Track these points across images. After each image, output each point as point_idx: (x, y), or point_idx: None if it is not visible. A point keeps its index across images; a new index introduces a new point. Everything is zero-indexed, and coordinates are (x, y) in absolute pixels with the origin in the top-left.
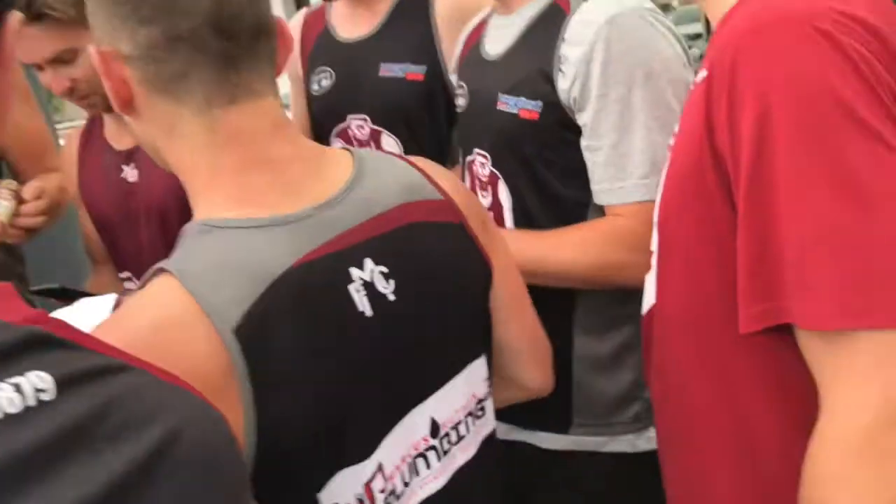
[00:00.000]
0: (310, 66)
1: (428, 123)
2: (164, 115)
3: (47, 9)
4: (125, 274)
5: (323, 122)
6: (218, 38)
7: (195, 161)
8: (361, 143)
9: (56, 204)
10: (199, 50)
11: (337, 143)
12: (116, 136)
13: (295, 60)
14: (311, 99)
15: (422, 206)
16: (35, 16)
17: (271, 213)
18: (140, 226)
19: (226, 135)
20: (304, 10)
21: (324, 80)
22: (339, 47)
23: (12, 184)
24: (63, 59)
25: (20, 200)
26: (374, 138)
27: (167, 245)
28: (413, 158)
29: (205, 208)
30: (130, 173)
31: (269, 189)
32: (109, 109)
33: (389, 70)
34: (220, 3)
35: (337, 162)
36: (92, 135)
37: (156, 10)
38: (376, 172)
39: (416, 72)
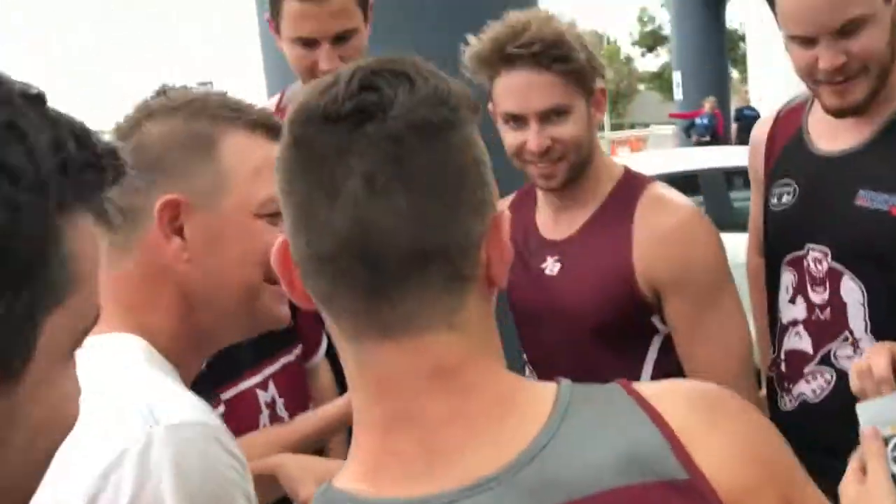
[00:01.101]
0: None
1: None
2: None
3: None
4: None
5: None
6: (361, 265)
7: (354, 403)
8: (814, 281)
9: None
10: (342, 275)
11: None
12: (550, 223)
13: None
14: (767, 213)
15: (650, 493)
16: None
17: (404, 495)
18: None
19: (373, 378)
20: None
21: (785, 196)
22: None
23: None
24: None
25: None
26: (832, 278)
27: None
28: (660, 401)
29: (347, 463)
30: (552, 266)
31: (414, 457)
32: None
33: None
34: (362, 226)
35: (529, 411)
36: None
37: (297, 223)
38: (582, 431)
39: None
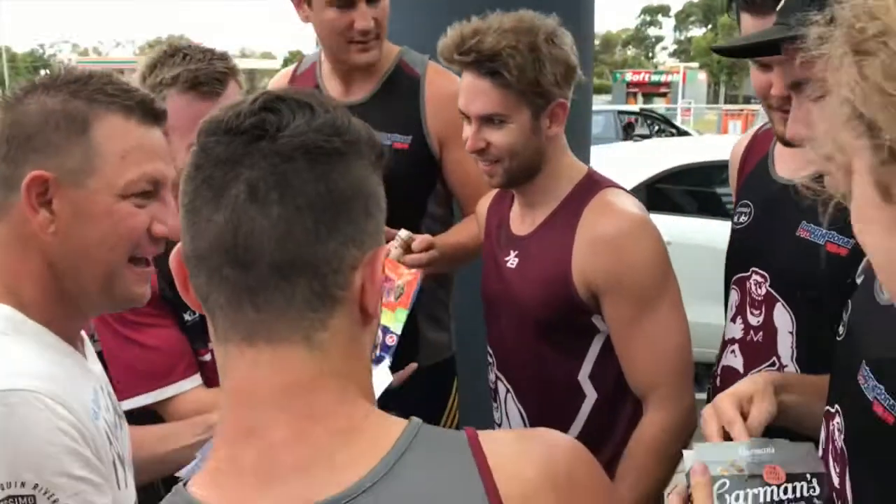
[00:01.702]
0: (740, 193)
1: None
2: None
3: None
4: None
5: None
6: (230, 266)
7: (221, 407)
8: (753, 303)
9: (445, 258)
10: (214, 274)
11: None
12: (518, 219)
13: None
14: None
15: None
16: None
17: None
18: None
19: (233, 386)
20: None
21: (743, 216)
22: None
23: (406, 234)
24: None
25: (407, 250)
26: (768, 303)
27: None
28: (490, 446)
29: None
30: (513, 259)
31: (254, 471)
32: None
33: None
34: (236, 228)
35: (372, 443)
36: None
37: (185, 222)
38: (415, 471)
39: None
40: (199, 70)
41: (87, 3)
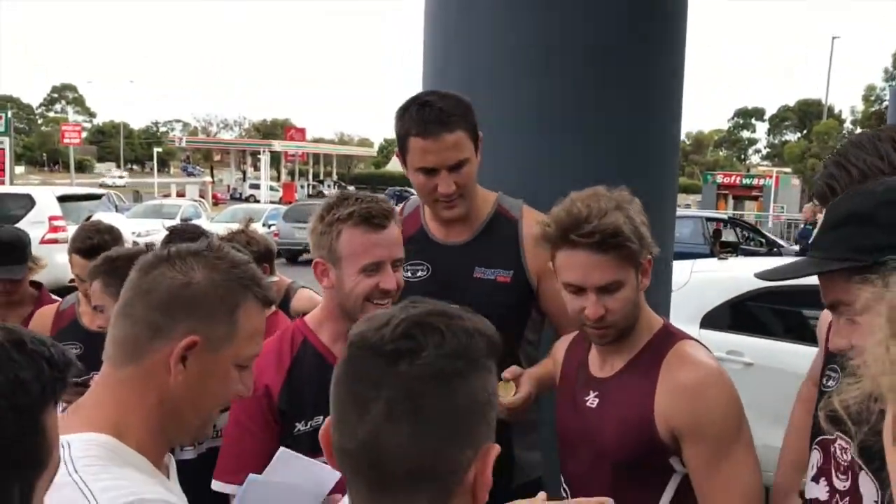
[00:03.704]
0: None
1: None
2: None
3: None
4: None
5: None
6: (369, 469)
7: None
8: None
9: (536, 395)
10: (357, 471)
11: None
12: (596, 362)
13: None
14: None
15: None
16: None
17: None
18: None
19: None
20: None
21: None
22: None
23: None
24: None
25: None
26: None
27: None
28: None
29: None
30: (593, 400)
31: None
32: None
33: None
34: (376, 442)
35: None
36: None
37: (335, 423)
38: None
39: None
40: (371, 208)
41: (200, 85)
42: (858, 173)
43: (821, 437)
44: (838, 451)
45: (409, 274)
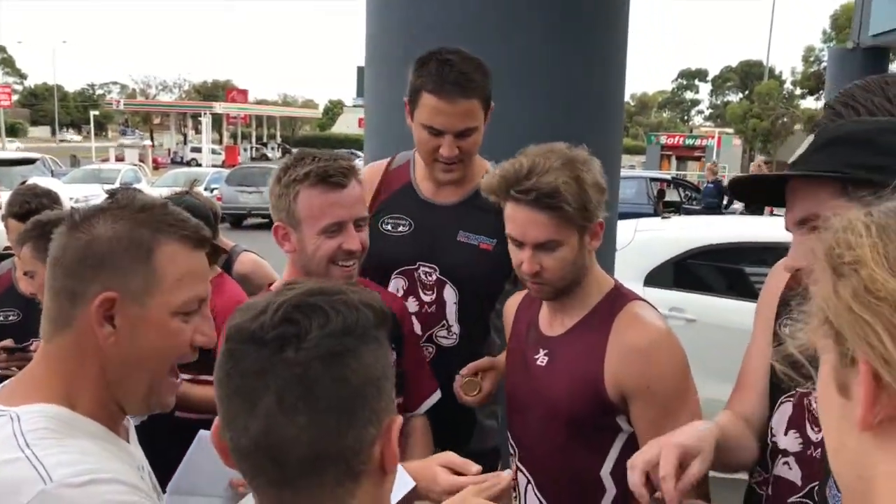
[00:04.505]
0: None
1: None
2: None
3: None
4: None
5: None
6: (270, 463)
7: None
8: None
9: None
10: (257, 469)
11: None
12: (547, 321)
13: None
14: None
15: None
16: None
17: None
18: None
19: None
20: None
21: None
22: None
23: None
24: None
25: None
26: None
27: None
28: None
29: None
30: (542, 358)
31: None
32: None
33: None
34: (271, 434)
35: None
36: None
37: (224, 423)
38: None
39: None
40: (328, 166)
41: (137, 46)
42: (866, 112)
43: (797, 391)
44: (814, 403)
45: (389, 227)
